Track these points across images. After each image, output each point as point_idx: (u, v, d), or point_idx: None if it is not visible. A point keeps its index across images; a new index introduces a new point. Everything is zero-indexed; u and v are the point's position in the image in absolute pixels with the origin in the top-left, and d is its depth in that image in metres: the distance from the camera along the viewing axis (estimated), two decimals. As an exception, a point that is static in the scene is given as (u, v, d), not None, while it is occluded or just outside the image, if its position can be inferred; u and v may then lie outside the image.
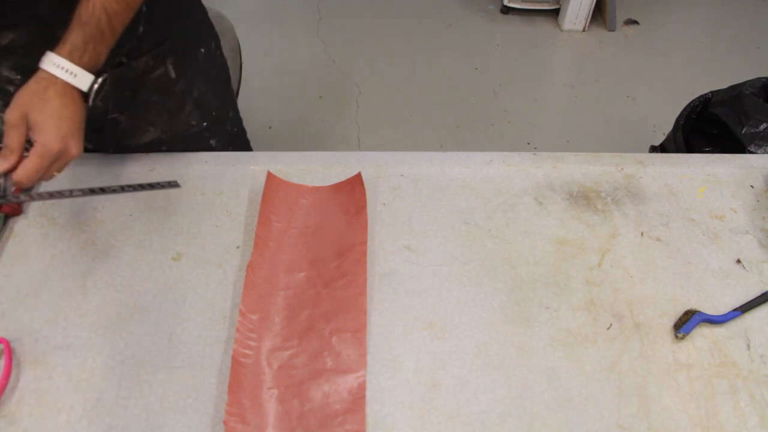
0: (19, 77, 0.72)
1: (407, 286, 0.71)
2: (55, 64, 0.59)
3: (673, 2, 2.65)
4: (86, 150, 0.64)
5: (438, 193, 0.81)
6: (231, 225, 0.77)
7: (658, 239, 0.77)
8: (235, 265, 0.73)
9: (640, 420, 0.61)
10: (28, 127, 0.58)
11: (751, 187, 0.84)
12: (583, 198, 0.81)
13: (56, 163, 0.60)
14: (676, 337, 0.67)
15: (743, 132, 1.38)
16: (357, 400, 0.61)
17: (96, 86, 0.62)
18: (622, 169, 0.85)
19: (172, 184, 0.71)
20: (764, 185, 0.84)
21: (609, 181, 0.84)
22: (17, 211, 0.77)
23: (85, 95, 0.63)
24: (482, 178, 0.83)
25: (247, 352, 0.64)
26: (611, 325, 0.69)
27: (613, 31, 2.49)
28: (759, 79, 1.47)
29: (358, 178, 0.80)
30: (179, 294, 0.70)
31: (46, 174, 0.60)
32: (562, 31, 2.49)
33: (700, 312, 0.68)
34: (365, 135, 2.04)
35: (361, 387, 0.62)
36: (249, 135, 1.05)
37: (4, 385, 0.61)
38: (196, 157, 0.85)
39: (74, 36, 0.60)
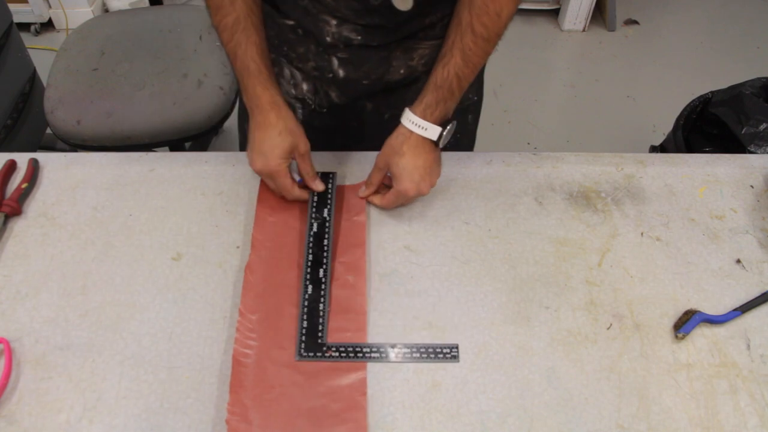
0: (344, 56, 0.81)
1: (407, 286, 0.71)
2: (410, 121, 0.72)
3: (673, 2, 2.65)
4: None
5: (438, 193, 0.81)
6: (231, 225, 0.77)
7: (658, 239, 0.77)
8: (235, 265, 0.73)
9: (640, 420, 0.61)
10: (389, 172, 0.75)
11: (751, 187, 0.84)
12: (583, 198, 0.81)
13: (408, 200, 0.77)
14: (676, 337, 0.67)
15: (743, 132, 1.38)
16: (357, 400, 0.61)
17: (444, 133, 0.73)
18: (622, 169, 0.85)
19: None
20: (764, 185, 0.84)
21: (609, 181, 0.84)
22: (17, 211, 0.77)
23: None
24: (482, 178, 0.83)
25: (247, 351, 0.64)
26: (611, 325, 0.69)
27: (613, 31, 2.49)
28: (759, 79, 1.48)
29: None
30: (179, 294, 0.70)
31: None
32: (562, 31, 2.49)
33: (700, 312, 0.68)
34: (365, 135, 2.04)
35: (362, 387, 0.63)
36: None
37: (4, 385, 0.61)
38: (197, 157, 0.85)
39: (429, 97, 0.72)
